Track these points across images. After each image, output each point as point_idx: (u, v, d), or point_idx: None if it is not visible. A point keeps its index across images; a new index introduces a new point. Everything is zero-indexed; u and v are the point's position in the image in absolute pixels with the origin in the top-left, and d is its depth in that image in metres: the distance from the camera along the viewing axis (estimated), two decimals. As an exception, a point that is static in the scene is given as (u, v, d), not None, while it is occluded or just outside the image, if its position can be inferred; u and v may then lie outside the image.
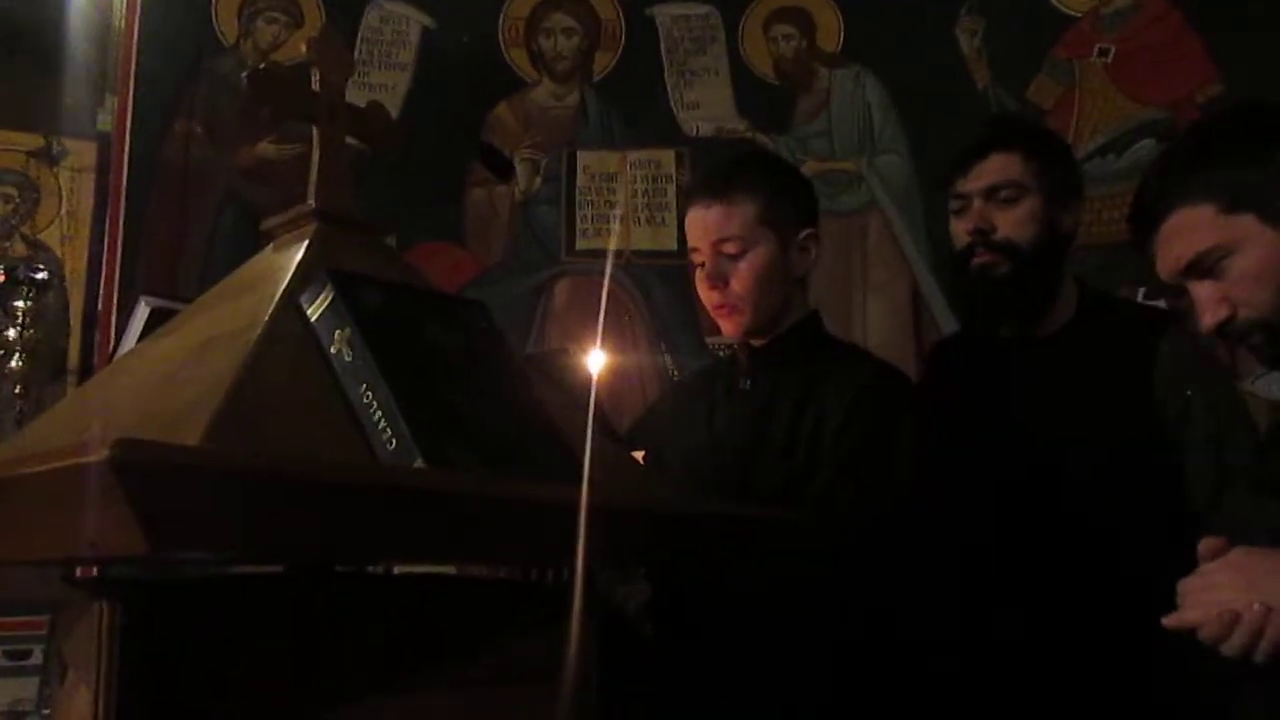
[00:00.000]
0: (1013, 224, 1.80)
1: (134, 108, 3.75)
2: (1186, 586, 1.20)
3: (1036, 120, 2.41)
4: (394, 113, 3.08)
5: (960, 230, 1.85)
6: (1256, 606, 1.11)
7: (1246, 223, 1.27)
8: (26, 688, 3.10)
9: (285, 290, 1.13)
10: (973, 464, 1.75)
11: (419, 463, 0.99)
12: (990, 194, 1.81)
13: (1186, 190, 1.31)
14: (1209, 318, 1.32)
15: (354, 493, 0.91)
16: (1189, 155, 1.35)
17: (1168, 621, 1.19)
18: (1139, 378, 1.74)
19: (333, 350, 1.08)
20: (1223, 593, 1.15)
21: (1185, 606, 1.19)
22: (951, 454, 1.74)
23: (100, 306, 3.61)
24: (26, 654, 3.18)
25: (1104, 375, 1.76)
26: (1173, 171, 1.35)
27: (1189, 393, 1.71)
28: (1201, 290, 1.32)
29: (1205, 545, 1.22)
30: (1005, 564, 1.71)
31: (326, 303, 1.09)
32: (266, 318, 1.08)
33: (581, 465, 1.11)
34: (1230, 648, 1.13)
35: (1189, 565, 1.23)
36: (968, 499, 1.73)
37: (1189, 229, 1.31)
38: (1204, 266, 1.31)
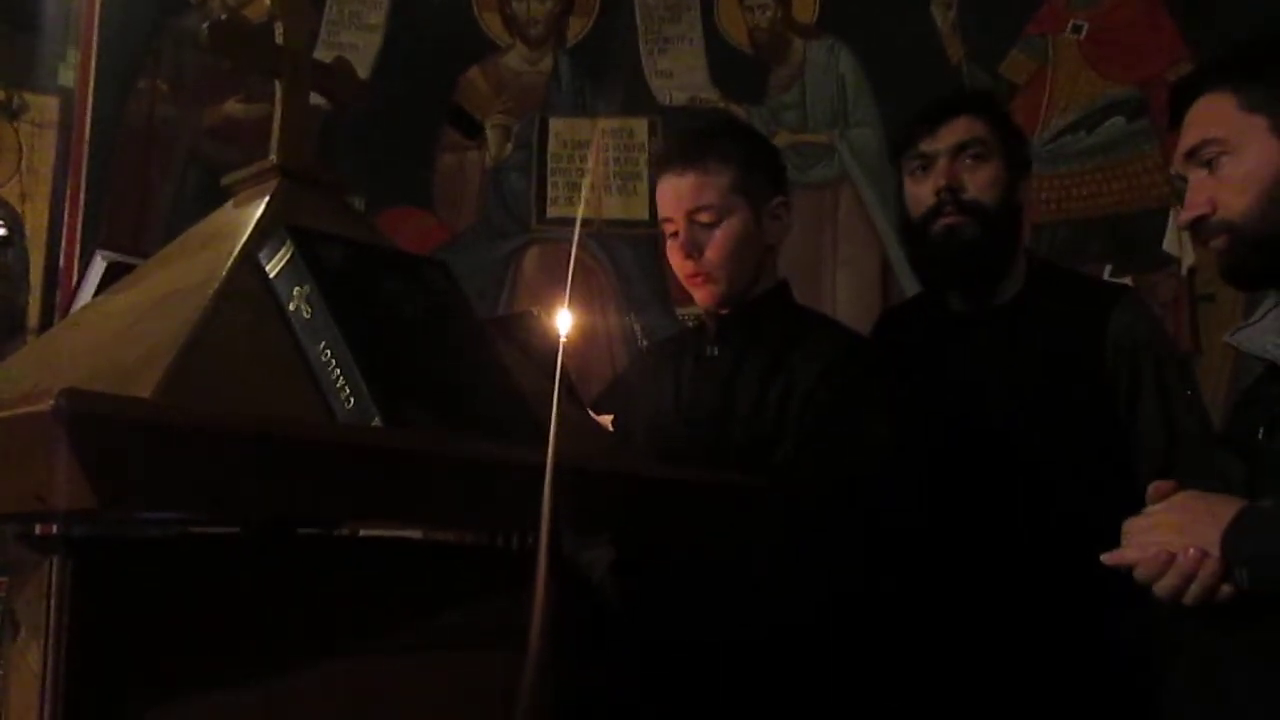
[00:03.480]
0: (980, 185, 1.79)
1: (97, 63, 3.69)
2: (1129, 526, 1.22)
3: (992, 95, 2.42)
4: (364, 75, 3.04)
5: (924, 191, 1.84)
6: (1191, 550, 1.12)
7: (1256, 124, 1.27)
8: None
9: (244, 246, 1.12)
10: (922, 435, 1.76)
11: (377, 421, 0.98)
12: (958, 151, 1.80)
13: (1220, 75, 1.31)
14: (1187, 212, 1.32)
15: (309, 450, 0.90)
16: (1240, 47, 1.35)
17: (1107, 559, 1.20)
18: (1089, 347, 1.76)
19: (291, 307, 1.07)
20: (1161, 534, 1.17)
21: (1125, 545, 1.20)
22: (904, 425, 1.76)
23: (62, 264, 3.56)
24: (-17, 615, 3.15)
25: (1054, 344, 1.77)
26: (1219, 58, 1.35)
27: (1140, 362, 1.75)
28: (1195, 180, 1.32)
29: (1154, 487, 1.24)
30: (957, 533, 1.71)
31: (286, 259, 1.08)
32: (224, 273, 1.07)
33: (543, 427, 1.10)
34: (1162, 589, 1.14)
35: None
36: (921, 468, 1.74)
37: (1205, 114, 1.31)
38: (1204, 156, 1.30)
